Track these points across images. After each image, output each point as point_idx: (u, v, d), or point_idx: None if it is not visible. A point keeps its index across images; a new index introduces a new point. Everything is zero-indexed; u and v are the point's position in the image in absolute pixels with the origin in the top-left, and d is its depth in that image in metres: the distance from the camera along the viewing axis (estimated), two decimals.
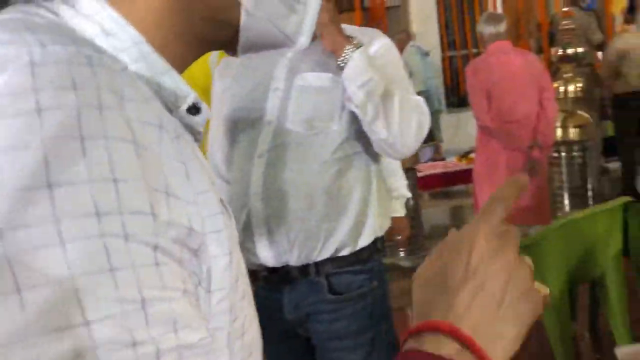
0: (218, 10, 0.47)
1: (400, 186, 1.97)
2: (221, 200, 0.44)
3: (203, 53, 0.51)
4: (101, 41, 0.41)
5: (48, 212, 0.32)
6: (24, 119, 0.33)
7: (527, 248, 2.34)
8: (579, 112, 4.39)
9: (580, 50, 4.45)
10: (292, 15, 0.52)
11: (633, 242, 2.41)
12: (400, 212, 1.98)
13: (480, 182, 3.29)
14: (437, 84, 6.71)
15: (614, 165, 5.35)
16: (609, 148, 5.35)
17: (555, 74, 4.51)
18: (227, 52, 0.53)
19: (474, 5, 7.09)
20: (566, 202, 4.43)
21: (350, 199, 1.32)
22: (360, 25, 3.13)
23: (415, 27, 6.95)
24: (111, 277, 0.32)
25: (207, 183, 0.42)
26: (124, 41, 0.42)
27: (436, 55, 7.15)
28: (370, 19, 6.11)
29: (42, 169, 0.32)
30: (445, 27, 7.70)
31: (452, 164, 5.09)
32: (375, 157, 1.38)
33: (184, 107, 0.44)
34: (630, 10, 4.59)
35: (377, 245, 1.39)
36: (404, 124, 1.28)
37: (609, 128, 5.73)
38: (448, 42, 7.64)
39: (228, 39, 0.50)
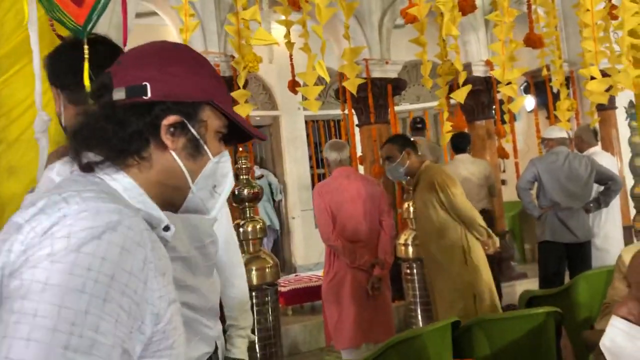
0: (180, 189, 0.94)
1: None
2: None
3: (163, 206, 0.92)
4: (122, 194, 0.86)
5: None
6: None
7: None
8: None
9: None
10: (212, 199, 0.98)
11: (461, 357, 2.57)
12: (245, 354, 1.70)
13: (329, 299, 3.38)
14: None
15: None
16: None
17: (406, 194, 4.89)
18: (170, 209, 0.96)
19: (340, 132, 7.62)
20: (419, 316, 4.61)
21: None
22: None
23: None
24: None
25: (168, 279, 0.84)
26: (136, 194, 0.88)
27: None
28: None
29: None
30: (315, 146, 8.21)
31: (316, 277, 5.18)
32: None
33: (162, 226, 0.89)
34: (454, 148, 5.13)
35: None
36: None
37: None
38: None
39: (177, 203, 0.95)
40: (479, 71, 5.96)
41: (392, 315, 3.60)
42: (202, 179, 0.94)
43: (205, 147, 0.93)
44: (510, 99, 3.92)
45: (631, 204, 6.19)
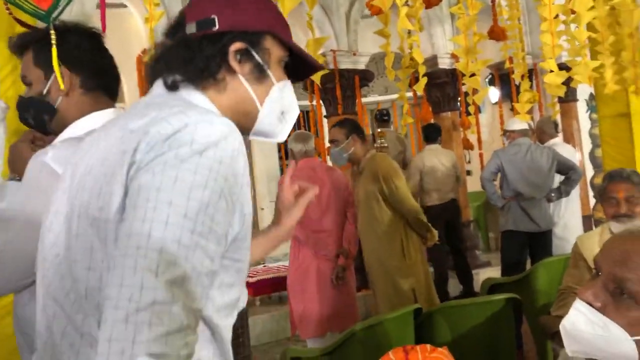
0: (249, 115, 1.06)
1: None
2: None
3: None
4: None
5: None
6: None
7: (324, 356, 2.44)
8: None
9: None
10: (280, 124, 1.10)
11: (422, 343, 2.62)
12: None
13: (294, 289, 3.41)
14: None
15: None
16: None
17: None
18: (242, 134, 0.98)
19: (309, 123, 7.64)
20: None
21: None
22: None
23: None
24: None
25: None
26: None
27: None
28: None
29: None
30: None
31: (284, 267, 5.19)
32: None
33: None
34: (425, 138, 5.23)
35: None
36: None
37: None
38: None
39: (248, 127, 1.07)
40: (444, 63, 6.03)
41: (357, 304, 3.64)
42: (268, 103, 1.06)
43: (269, 72, 1.06)
44: (475, 91, 4.00)
45: (591, 193, 6.39)
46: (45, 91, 1.36)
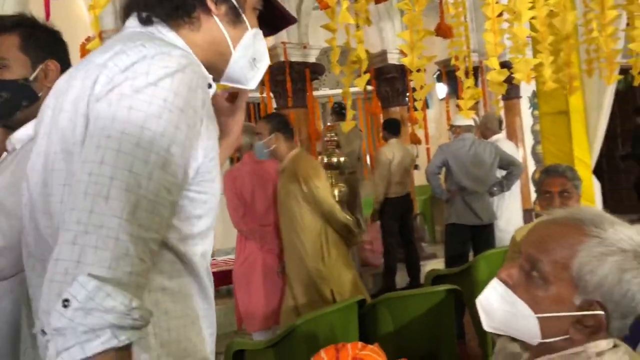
0: (222, 54, 1.08)
1: None
2: None
3: (207, 71, 1.04)
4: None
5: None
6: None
7: (269, 348, 2.45)
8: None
9: (342, 159, 4.99)
10: (251, 70, 1.12)
11: (366, 334, 2.67)
12: None
13: (239, 282, 3.39)
14: None
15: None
16: None
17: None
18: (214, 74, 1.07)
19: (260, 115, 7.58)
20: None
21: None
22: None
23: None
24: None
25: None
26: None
27: None
28: None
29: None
30: None
31: (232, 261, 5.15)
32: None
33: (206, 83, 0.99)
34: (391, 131, 5.37)
35: None
36: None
37: None
38: None
39: (220, 67, 1.09)
40: (394, 59, 6.11)
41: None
42: (241, 47, 1.09)
43: (244, 17, 1.09)
44: (421, 87, 4.06)
45: (532, 188, 6.62)
46: (32, 78, 1.37)
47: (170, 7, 1.02)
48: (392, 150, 5.28)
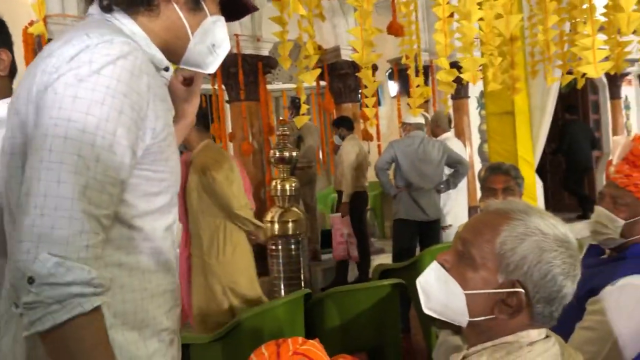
0: (181, 39, 1.14)
1: None
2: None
3: (166, 55, 1.14)
4: (139, 43, 1.06)
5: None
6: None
7: (214, 342, 2.43)
8: (294, 208, 4.80)
9: (294, 153, 4.99)
10: (210, 55, 1.19)
11: (312, 328, 2.69)
12: None
13: (183, 277, 3.34)
14: None
15: (326, 256, 5.96)
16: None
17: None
18: (172, 60, 1.16)
19: (211, 107, 7.50)
20: (282, 291, 4.73)
21: None
22: None
23: None
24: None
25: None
26: (141, 38, 1.08)
27: None
28: None
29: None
30: None
31: None
32: None
33: (163, 67, 1.12)
34: (348, 127, 5.45)
35: None
36: None
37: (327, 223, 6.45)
38: None
39: (179, 52, 1.15)
40: (347, 55, 6.14)
41: None
42: (200, 34, 1.15)
43: (203, 4, 1.15)
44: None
45: (478, 185, 6.80)
46: None
47: None
48: (357, 145, 5.38)
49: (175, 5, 1.11)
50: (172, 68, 1.16)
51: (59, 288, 0.86)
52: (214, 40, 1.17)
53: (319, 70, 3.13)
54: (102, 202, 0.93)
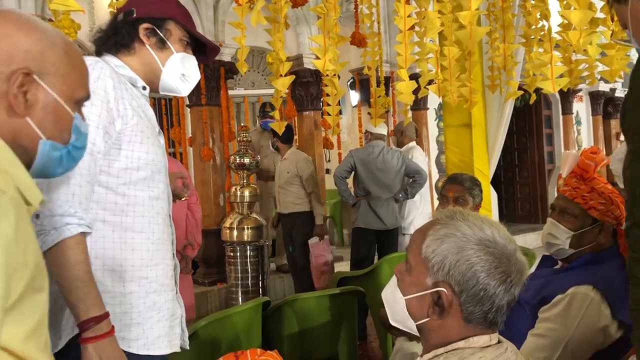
0: (155, 71, 1.59)
1: None
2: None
3: (147, 84, 1.61)
4: (118, 70, 1.56)
5: None
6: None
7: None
8: (254, 215, 4.78)
9: (254, 160, 4.94)
10: (183, 83, 1.62)
11: (271, 338, 2.68)
12: None
13: None
14: None
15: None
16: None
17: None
18: (153, 88, 1.60)
19: (171, 112, 7.40)
20: (240, 298, 4.69)
21: None
22: None
23: None
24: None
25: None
26: (120, 66, 1.55)
27: None
28: None
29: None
30: None
31: None
32: None
33: (140, 86, 1.58)
34: (287, 140, 5.05)
35: None
36: None
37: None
38: None
39: (155, 82, 1.60)
40: (309, 63, 6.17)
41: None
42: (169, 65, 1.56)
43: (169, 44, 1.56)
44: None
45: (435, 195, 6.92)
46: None
47: (113, 44, 1.55)
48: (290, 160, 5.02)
49: (148, 47, 1.54)
50: (147, 88, 1.57)
51: (56, 219, 1.27)
52: (183, 71, 1.58)
53: (292, 77, 3.13)
54: (82, 194, 1.33)
